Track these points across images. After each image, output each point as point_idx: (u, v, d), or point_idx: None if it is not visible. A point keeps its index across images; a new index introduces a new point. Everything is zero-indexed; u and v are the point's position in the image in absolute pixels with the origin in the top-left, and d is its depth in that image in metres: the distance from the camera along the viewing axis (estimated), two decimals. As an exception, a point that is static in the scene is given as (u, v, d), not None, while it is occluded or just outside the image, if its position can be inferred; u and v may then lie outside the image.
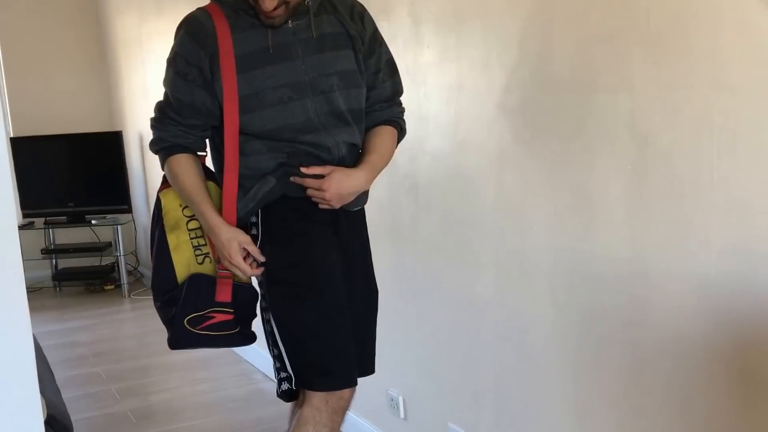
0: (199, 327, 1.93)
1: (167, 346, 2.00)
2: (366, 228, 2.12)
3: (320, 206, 1.92)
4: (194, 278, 1.93)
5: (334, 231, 1.97)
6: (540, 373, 2.15)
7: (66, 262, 6.09)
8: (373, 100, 2.02)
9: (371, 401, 2.96)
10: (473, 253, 2.37)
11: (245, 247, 1.88)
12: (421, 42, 2.49)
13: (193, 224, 1.95)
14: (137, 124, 5.76)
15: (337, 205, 1.93)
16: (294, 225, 1.91)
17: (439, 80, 2.45)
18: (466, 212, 2.39)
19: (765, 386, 1.54)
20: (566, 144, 1.99)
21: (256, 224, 1.94)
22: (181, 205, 1.96)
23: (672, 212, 1.70)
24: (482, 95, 2.28)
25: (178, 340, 1.97)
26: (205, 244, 1.96)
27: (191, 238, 1.95)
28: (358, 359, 1.98)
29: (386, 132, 2.05)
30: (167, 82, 1.90)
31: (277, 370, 1.95)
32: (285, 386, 1.93)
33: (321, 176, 1.89)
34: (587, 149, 1.92)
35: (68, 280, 6.02)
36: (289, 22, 1.84)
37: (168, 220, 1.96)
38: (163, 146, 1.93)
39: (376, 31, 2.00)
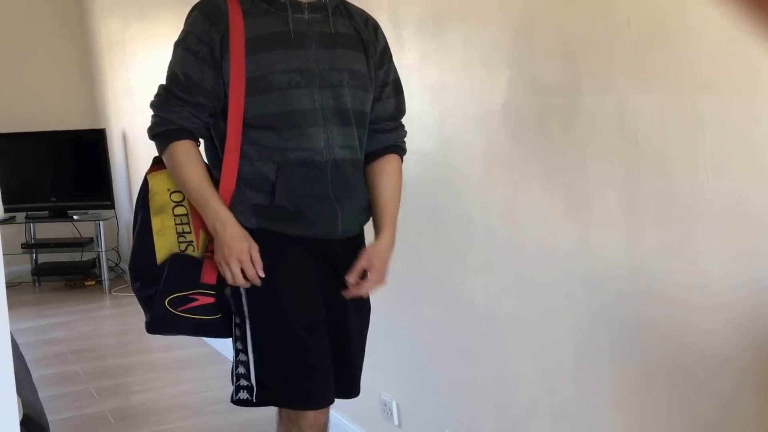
0: (181, 309, 1.83)
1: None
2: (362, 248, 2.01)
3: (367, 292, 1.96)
4: (178, 257, 1.85)
5: (323, 260, 1.91)
6: (540, 377, 2.07)
7: (46, 257, 5.98)
8: (378, 115, 1.97)
9: (363, 407, 2.75)
10: (463, 255, 2.32)
11: (251, 252, 1.79)
12: (402, 46, 2.44)
13: (179, 210, 1.87)
14: (121, 122, 5.71)
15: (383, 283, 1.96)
16: (272, 253, 1.83)
17: (422, 81, 2.40)
18: (455, 213, 2.34)
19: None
20: (554, 145, 1.94)
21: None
22: (169, 189, 1.87)
23: (668, 212, 1.64)
24: (466, 96, 2.24)
25: (158, 322, 1.86)
26: (190, 232, 1.86)
27: (176, 224, 1.86)
28: (341, 378, 1.93)
29: (395, 170, 2.01)
30: (176, 60, 1.83)
31: (237, 376, 1.86)
32: (244, 395, 1.85)
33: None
34: (576, 151, 1.87)
35: (48, 275, 5.91)
36: (305, 13, 1.83)
37: (154, 203, 1.88)
38: (168, 128, 1.82)
39: (387, 47, 1.99)
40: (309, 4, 1.84)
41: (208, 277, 1.85)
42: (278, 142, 1.80)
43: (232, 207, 1.81)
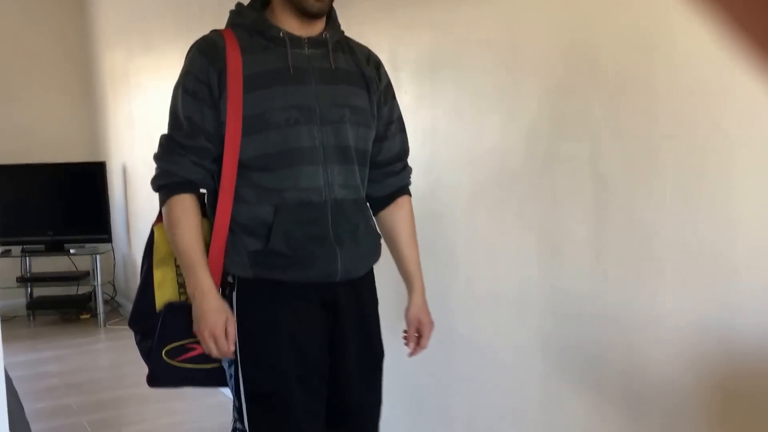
0: (179, 359, 1.81)
1: (143, 378, 1.88)
2: (374, 290, 1.96)
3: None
4: (171, 306, 1.83)
5: (322, 305, 1.84)
6: (511, 405, 2.22)
7: (41, 291, 6.03)
8: (385, 155, 1.93)
9: None
10: (445, 286, 2.45)
11: (227, 326, 1.76)
12: (399, 88, 2.58)
13: None
14: (121, 155, 5.80)
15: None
16: (267, 309, 1.80)
17: (416, 124, 2.54)
18: (440, 247, 2.47)
19: (721, 415, 1.63)
20: (533, 186, 2.08)
21: (232, 285, 1.81)
22: None
23: (629, 251, 1.80)
24: (455, 138, 2.38)
25: (158, 375, 1.83)
26: None
27: (177, 275, 1.85)
28: (342, 427, 1.90)
29: (409, 214, 2.00)
30: (176, 103, 1.79)
31: (234, 420, 1.86)
32: None
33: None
34: (552, 192, 2.02)
35: (43, 308, 5.92)
36: (305, 48, 1.79)
37: (157, 254, 1.86)
38: (170, 181, 1.78)
39: (390, 84, 1.96)
40: (309, 39, 1.79)
41: None
42: (276, 182, 1.75)
43: (228, 257, 1.78)
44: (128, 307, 5.83)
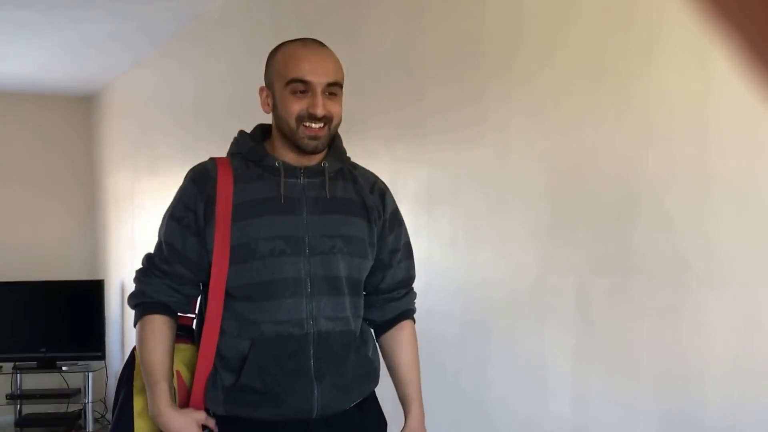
0: None
1: None
2: (372, 420, 1.88)
3: None
4: None
5: None
6: None
7: (31, 408, 6.00)
8: (389, 282, 1.90)
9: None
10: (435, 415, 2.54)
11: (204, 424, 1.74)
12: (397, 218, 2.77)
13: None
14: (120, 274, 5.92)
15: None
16: None
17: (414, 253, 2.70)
18: (429, 376, 2.57)
19: None
20: (521, 318, 2.23)
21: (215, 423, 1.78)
22: None
23: (609, 384, 1.93)
24: (449, 269, 2.53)
25: None
26: None
27: None
28: None
29: (411, 338, 1.95)
30: (162, 228, 1.80)
31: None
32: None
33: None
34: (539, 324, 2.16)
35: (31, 426, 5.89)
36: (301, 178, 1.78)
37: (138, 382, 1.81)
38: (142, 301, 1.79)
39: (397, 211, 1.92)
40: (306, 168, 1.78)
41: None
42: (256, 314, 1.72)
43: (206, 392, 1.75)
44: None
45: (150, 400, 1.72)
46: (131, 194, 5.68)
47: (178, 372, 1.78)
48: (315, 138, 1.72)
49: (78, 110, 6.67)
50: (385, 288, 1.91)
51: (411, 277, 1.99)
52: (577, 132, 2.07)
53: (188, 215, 1.75)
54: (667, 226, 1.81)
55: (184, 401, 1.76)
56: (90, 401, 5.75)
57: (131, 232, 5.65)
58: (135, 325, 1.80)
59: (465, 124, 2.49)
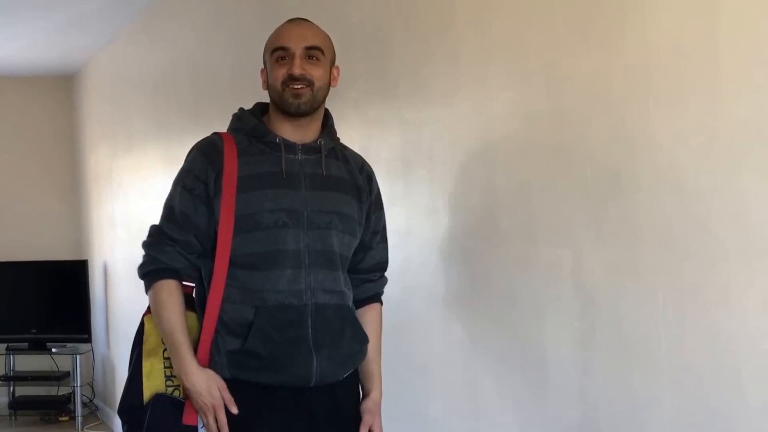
0: None
1: None
2: (353, 392, 1.91)
3: None
4: (159, 398, 1.81)
5: (297, 416, 1.81)
6: None
7: (24, 390, 5.86)
8: (368, 264, 1.93)
9: None
10: (421, 405, 2.20)
11: (223, 392, 1.75)
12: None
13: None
14: (103, 254, 5.66)
15: None
16: (247, 401, 1.78)
17: (390, 225, 2.35)
18: (415, 360, 2.24)
19: None
20: (512, 296, 1.87)
21: None
22: None
23: (621, 376, 1.56)
24: (429, 242, 2.18)
25: None
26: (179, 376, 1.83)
27: (165, 367, 1.84)
28: None
29: (377, 319, 1.96)
30: (174, 197, 1.84)
31: None
32: None
33: None
34: (533, 303, 1.79)
35: (24, 408, 5.77)
36: (299, 154, 1.82)
37: (147, 345, 1.86)
38: (156, 267, 1.82)
39: (379, 195, 1.97)
40: (303, 145, 1.84)
41: (190, 419, 1.79)
42: (259, 282, 1.77)
43: (210, 356, 1.78)
44: (106, 410, 5.69)
45: (175, 361, 1.78)
46: (110, 173, 5.39)
47: None
48: (297, 96, 1.78)
49: (59, 90, 6.43)
50: (364, 268, 1.93)
51: (386, 261, 2.00)
52: (565, 81, 1.70)
53: (199, 186, 1.81)
54: (678, 185, 1.44)
55: None
56: (78, 385, 5.56)
57: (111, 211, 5.36)
58: (147, 292, 1.84)
59: (438, 81, 2.13)
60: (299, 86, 1.77)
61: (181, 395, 1.81)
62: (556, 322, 1.72)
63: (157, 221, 1.87)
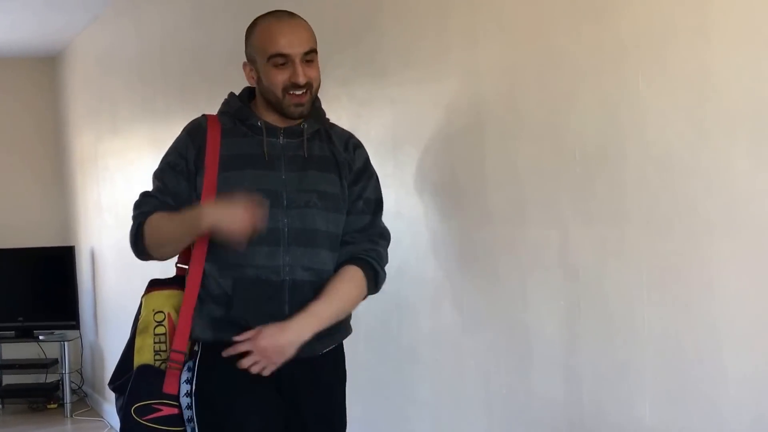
0: (146, 418, 1.88)
1: None
2: (336, 370, 1.97)
3: (252, 369, 1.82)
4: (142, 368, 1.91)
5: (277, 387, 1.88)
6: None
7: (11, 379, 5.87)
8: (346, 228, 1.94)
9: None
10: (409, 387, 2.24)
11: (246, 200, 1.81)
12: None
13: (159, 329, 1.94)
14: (90, 240, 5.66)
15: (273, 365, 1.83)
16: (223, 386, 1.85)
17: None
18: (404, 342, 2.27)
19: None
20: (499, 276, 1.90)
21: (196, 353, 1.90)
22: (153, 309, 1.95)
23: (605, 352, 1.60)
24: (418, 223, 2.21)
25: (127, 430, 1.91)
26: (166, 351, 1.93)
27: (154, 343, 1.93)
28: None
29: (348, 274, 1.91)
30: (159, 171, 1.96)
31: None
32: None
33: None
34: (520, 283, 1.83)
35: (12, 397, 5.78)
36: (280, 138, 1.90)
37: (140, 323, 1.96)
38: (141, 212, 1.93)
39: (368, 164, 1.99)
40: (285, 129, 1.91)
41: (170, 387, 1.88)
42: (237, 258, 1.85)
43: (193, 320, 1.88)
44: (95, 397, 5.72)
45: (189, 223, 1.85)
46: (95, 156, 5.38)
47: (169, 314, 1.92)
48: (300, 105, 1.86)
49: (41, 72, 6.39)
50: (342, 233, 1.95)
51: (375, 231, 1.98)
52: (555, 59, 1.72)
53: (181, 162, 1.92)
54: (665, 163, 1.48)
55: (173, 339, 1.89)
56: (67, 372, 5.57)
57: (98, 196, 5.36)
58: (144, 244, 1.91)
59: (427, 59, 2.15)
60: (301, 92, 1.84)
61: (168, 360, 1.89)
62: (542, 300, 1.76)
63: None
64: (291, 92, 1.84)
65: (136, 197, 1.97)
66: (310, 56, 1.86)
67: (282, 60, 1.83)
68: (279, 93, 1.85)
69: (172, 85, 3.99)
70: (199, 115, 1.98)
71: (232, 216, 1.79)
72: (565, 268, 1.69)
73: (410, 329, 2.25)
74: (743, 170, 1.34)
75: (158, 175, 1.96)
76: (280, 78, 1.84)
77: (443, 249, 2.11)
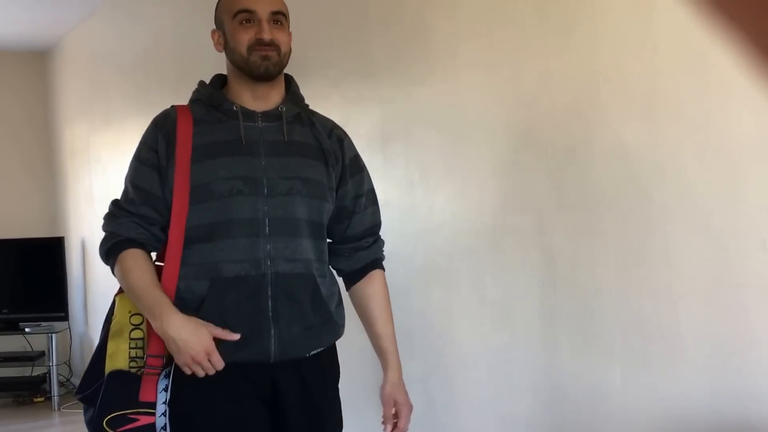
0: (121, 429, 1.72)
1: None
2: (326, 371, 1.87)
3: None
4: (115, 374, 1.76)
5: (262, 395, 1.79)
6: None
7: None
8: (356, 229, 1.89)
9: None
10: (405, 375, 2.43)
11: (213, 334, 1.71)
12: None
13: (136, 333, 1.81)
14: (80, 231, 5.78)
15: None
16: (202, 396, 1.75)
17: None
18: (396, 323, 2.45)
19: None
20: (483, 260, 2.12)
21: (172, 364, 1.75)
22: (129, 312, 1.82)
23: (578, 326, 1.82)
24: (407, 212, 2.40)
25: None
26: (143, 357, 1.79)
27: (130, 348, 1.80)
28: None
29: (382, 289, 1.93)
30: (129, 172, 1.85)
31: None
32: None
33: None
34: (502, 266, 2.04)
35: None
36: (258, 122, 1.81)
37: (113, 325, 1.82)
38: (114, 241, 1.79)
39: (357, 157, 1.93)
40: (263, 113, 1.82)
41: (147, 395, 1.75)
42: (215, 254, 1.75)
43: None
44: None
45: (155, 319, 1.72)
46: (87, 148, 5.52)
47: (147, 320, 1.77)
48: (266, 58, 1.77)
49: (32, 66, 6.49)
50: (353, 235, 1.90)
51: (377, 224, 1.96)
52: (526, 64, 1.94)
53: (151, 155, 1.80)
54: (624, 158, 1.70)
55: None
56: (54, 364, 5.63)
57: (89, 186, 5.50)
58: (113, 270, 1.81)
59: (413, 61, 2.36)
60: (267, 48, 1.77)
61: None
62: (521, 281, 1.98)
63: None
64: (257, 49, 1.77)
65: (109, 205, 1.83)
66: (278, 17, 1.80)
67: (247, 16, 1.78)
68: (244, 51, 1.77)
69: (167, 80, 4.11)
70: None
71: (192, 344, 1.68)
72: (542, 251, 1.92)
73: (401, 312, 2.44)
74: (690, 159, 1.56)
75: (131, 180, 1.82)
76: (245, 35, 1.77)
77: (431, 238, 2.31)
